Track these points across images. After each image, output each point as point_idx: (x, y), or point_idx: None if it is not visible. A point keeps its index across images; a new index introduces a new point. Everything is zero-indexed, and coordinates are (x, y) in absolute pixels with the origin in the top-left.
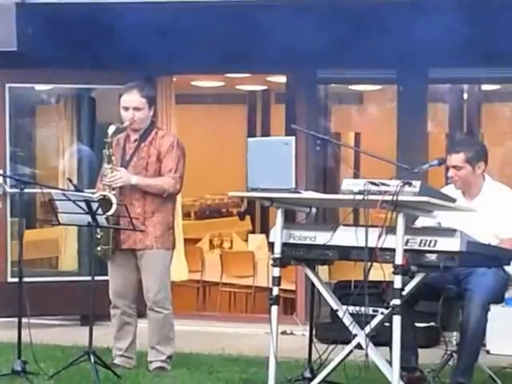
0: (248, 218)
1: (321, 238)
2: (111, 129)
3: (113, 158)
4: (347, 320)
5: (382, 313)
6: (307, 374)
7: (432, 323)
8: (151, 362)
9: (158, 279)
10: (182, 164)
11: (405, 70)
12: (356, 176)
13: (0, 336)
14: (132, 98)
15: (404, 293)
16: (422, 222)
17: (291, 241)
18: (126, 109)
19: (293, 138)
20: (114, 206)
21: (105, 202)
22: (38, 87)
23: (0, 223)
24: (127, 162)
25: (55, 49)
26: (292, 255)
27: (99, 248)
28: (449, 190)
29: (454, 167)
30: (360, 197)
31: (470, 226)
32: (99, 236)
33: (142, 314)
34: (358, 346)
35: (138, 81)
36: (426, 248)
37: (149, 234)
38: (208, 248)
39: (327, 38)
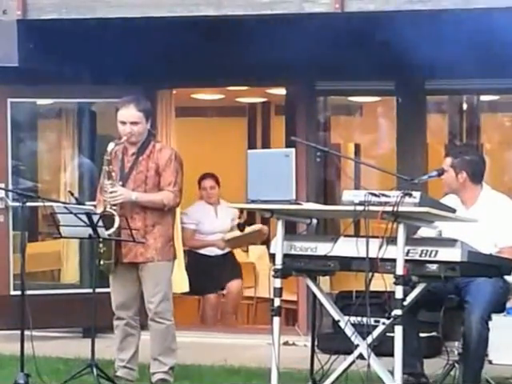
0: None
1: (322, 248)
2: (110, 146)
3: (113, 174)
4: (349, 330)
5: (384, 323)
6: None
7: (434, 333)
8: (153, 373)
9: (159, 290)
10: (181, 177)
11: (403, 81)
12: (356, 187)
13: (3, 349)
14: (129, 113)
15: (405, 303)
16: (424, 231)
17: (292, 252)
18: (124, 123)
19: (293, 149)
20: (117, 221)
21: (107, 218)
22: (40, 102)
23: (2, 236)
24: (126, 176)
25: (56, 64)
26: (293, 266)
27: (102, 262)
28: (450, 198)
29: (443, 170)
30: (361, 208)
31: (468, 234)
32: (102, 251)
33: (143, 326)
34: (360, 357)
35: (135, 95)
36: (427, 258)
37: (150, 246)
38: None
39: (326, 51)
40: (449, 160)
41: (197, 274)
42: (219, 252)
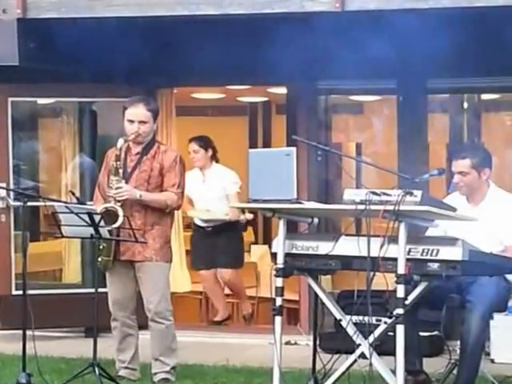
0: (250, 228)
1: (323, 248)
2: (120, 142)
3: (120, 170)
4: (351, 330)
5: (386, 322)
6: None
7: (436, 332)
8: (155, 373)
9: (158, 290)
10: (184, 179)
11: (405, 80)
12: (358, 186)
13: (5, 348)
14: (138, 112)
15: (407, 302)
16: (432, 232)
17: (294, 251)
18: (132, 122)
19: (294, 148)
20: (121, 219)
21: (109, 214)
22: (40, 101)
23: (4, 236)
24: (129, 175)
25: (56, 63)
26: (295, 265)
27: (100, 259)
28: (453, 197)
29: (460, 173)
30: (362, 207)
31: (473, 232)
32: (101, 247)
33: (143, 326)
34: (362, 356)
35: (142, 95)
36: (429, 257)
37: (148, 246)
38: None
39: (327, 49)
40: (467, 162)
41: (192, 245)
42: (210, 224)
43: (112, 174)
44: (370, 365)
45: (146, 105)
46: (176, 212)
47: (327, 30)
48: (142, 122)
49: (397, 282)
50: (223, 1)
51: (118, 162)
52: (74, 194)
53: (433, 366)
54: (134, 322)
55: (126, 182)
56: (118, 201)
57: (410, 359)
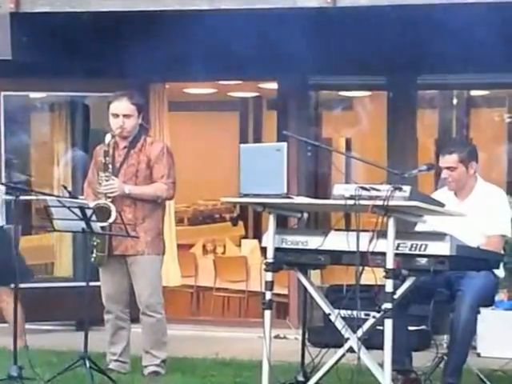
0: (241, 223)
1: (313, 242)
2: (108, 137)
3: (109, 166)
4: (339, 324)
5: (374, 316)
6: (300, 378)
7: (423, 326)
8: (146, 366)
9: (150, 284)
10: (173, 170)
11: (394, 76)
12: (347, 181)
13: None
14: (122, 105)
15: (395, 296)
16: (421, 227)
17: (283, 246)
18: (116, 116)
19: (284, 144)
20: (114, 214)
21: (101, 210)
22: (33, 95)
23: None
24: (117, 170)
25: (49, 57)
26: (284, 260)
27: (94, 255)
28: (441, 192)
29: (448, 168)
30: (351, 202)
31: (460, 226)
32: (95, 243)
33: (135, 319)
34: (351, 350)
35: (134, 89)
36: (417, 252)
37: (140, 239)
38: (201, 253)
39: (318, 45)
40: (455, 157)
41: None
42: None
43: (101, 170)
44: (359, 359)
45: (130, 98)
46: (168, 205)
47: (318, 25)
48: (126, 116)
49: (385, 277)
50: None
51: (107, 158)
52: (65, 188)
53: (420, 360)
54: (127, 315)
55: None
56: (109, 197)
57: (399, 358)
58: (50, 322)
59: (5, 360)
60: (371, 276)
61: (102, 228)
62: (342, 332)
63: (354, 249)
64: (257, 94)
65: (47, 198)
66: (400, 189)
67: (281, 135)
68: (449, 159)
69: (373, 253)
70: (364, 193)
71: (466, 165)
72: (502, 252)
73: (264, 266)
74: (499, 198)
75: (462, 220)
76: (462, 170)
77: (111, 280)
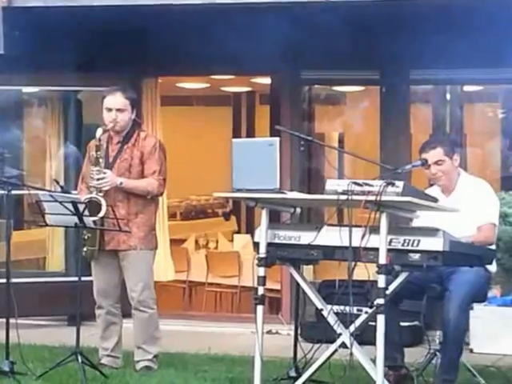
0: (233, 218)
1: (305, 237)
2: (99, 132)
3: (100, 160)
4: (332, 319)
5: (367, 312)
6: (292, 373)
7: (416, 322)
8: (138, 361)
9: (142, 279)
10: (165, 166)
11: (388, 71)
12: (340, 176)
13: None
14: (116, 100)
15: (388, 292)
16: (416, 223)
17: (276, 241)
18: (109, 110)
19: (277, 138)
20: (104, 208)
21: (93, 205)
22: (25, 89)
23: None
24: (111, 164)
25: (42, 52)
26: (277, 255)
27: (85, 249)
28: (432, 190)
29: (436, 163)
30: (344, 197)
31: (449, 220)
32: (86, 237)
33: (127, 315)
34: (343, 345)
35: (127, 84)
36: (410, 247)
37: (133, 235)
38: (194, 248)
39: (311, 40)
40: (440, 150)
41: None
42: None
43: (92, 164)
44: (351, 354)
45: (124, 93)
46: (161, 200)
47: (312, 20)
48: (119, 110)
49: (378, 272)
50: None
51: (99, 152)
52: (58, 182)
53: (413, 355)
54: (118, 310)
55: None
56: (100, 191)
57: (391, 354)
58: (41, 317)
59: None
60: (364, 271)
61: (94, 222)
62: (335, 327)
63: (347, 244)
64: (250, 88)
65: (39, 192)
66: (393, 184)
67: (274, 130)
68: (435, 154)
69: (365, 248)
70: (357, 188)
71: (450, 157)
72: (495, 242)
73: (256, 261)
74: (484, 189)
75: (449, 215)
76: (449, 163)
77: (103, 274)
